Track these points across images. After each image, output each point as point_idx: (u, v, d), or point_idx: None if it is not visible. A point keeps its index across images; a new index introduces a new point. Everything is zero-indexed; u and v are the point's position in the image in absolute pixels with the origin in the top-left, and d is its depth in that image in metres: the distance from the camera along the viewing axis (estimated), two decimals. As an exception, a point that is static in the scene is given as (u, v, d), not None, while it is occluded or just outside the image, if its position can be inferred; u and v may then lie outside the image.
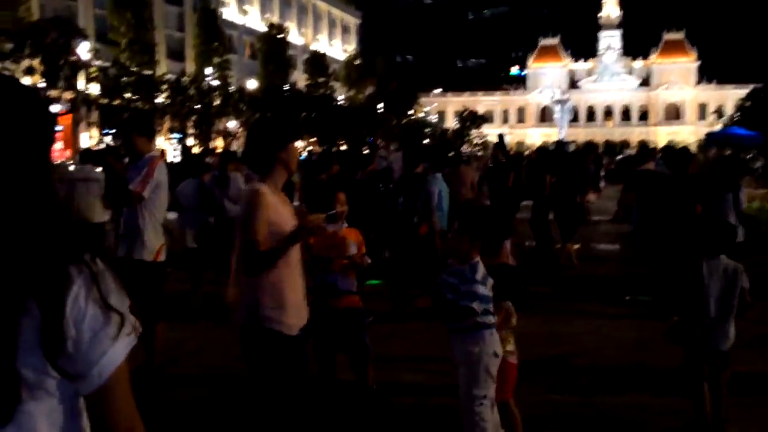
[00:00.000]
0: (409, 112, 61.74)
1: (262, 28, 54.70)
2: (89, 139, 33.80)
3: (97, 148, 17.82)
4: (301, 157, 27.48)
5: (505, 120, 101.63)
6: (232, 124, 39.52)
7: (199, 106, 35.62)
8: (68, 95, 31.19)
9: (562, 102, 70.05)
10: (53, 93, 30.44)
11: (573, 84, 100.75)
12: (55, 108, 30.76)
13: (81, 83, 31.34)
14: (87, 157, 10.27)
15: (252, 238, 3.11)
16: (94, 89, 32.60)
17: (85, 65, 30.37)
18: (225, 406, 4.98)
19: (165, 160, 6.21)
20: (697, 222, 6.19)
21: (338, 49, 71.46)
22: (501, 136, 15.43)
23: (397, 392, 5.17)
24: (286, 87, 41.41)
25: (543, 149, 13.88)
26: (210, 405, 5.03)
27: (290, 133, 3.38)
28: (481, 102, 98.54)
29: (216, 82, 39.40)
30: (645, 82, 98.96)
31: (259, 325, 3.20)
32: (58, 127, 32.33)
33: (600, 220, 17.13)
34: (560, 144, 15.62)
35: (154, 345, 5.26)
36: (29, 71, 27.11)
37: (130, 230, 5.16)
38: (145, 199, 5.06)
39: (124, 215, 5.30)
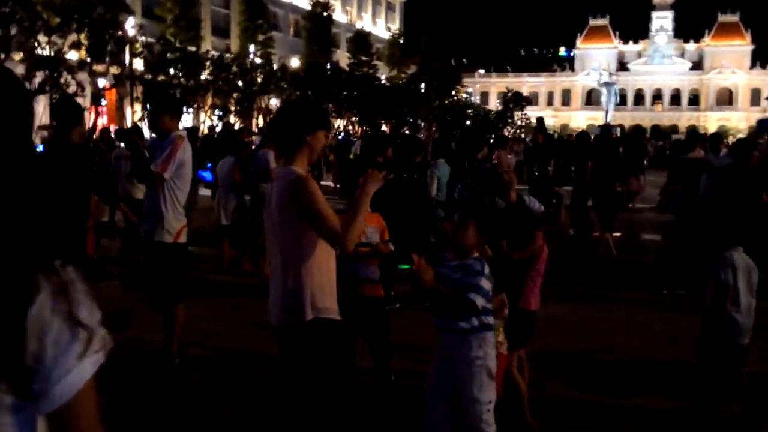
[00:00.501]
0: (452, 93, 61.11)
1: (307, 6, 54.57)
2: (133, 114, 34.24)
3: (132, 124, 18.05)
4: (339, 137, 27.49)
5: (550, 102, 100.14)
6: (273, 102, 39.65)
7: (240, 83, 35.69)
8: (114, 70, 31.58)
9: (608, 84, 68.65)
10: (99, 68, 30.85)
11: (622, 66, 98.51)
12: (101, 82, 31.23)
13: (127, 58, 31.68)
14: (105, 137, 10.43)
15: (331, 223, 3.04)
16: (140, 65, 32.94)
17: (131, 41, 30.66)
18: (234, 392, 4.96)
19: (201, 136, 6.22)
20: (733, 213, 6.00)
21: (382, 27, 70.97)
22: (540, 119, 15.16)
23: (420, 380, 5.09)
24: (328, 66, 41.25)
25: (584, 134, 13.54)
26: (219, 389, 4.99)
27: (322, 121, 3.29)
28: (526, 83, 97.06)
29: (259, 60, 39.46)
30: (697, 66, 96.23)
31: (317, 318, 3.12)
32: (103, 101, 32.88)
33: (642, 208, 16.76)
34: (605, 128, 15.10)
35: (174, 328, 5.25)
36: (76, 45, 27.43)
37: (152, 210, 5.12)
38: (166, 180, 5.01)
39: (147, 194, 5.28)
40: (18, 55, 26.47)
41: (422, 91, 52.39)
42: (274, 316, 3.22)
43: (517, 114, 69.81)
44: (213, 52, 38.29)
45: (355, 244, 3.15)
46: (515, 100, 70.66)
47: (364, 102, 40.29)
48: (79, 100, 27.25)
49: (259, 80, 37.08)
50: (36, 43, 25.81)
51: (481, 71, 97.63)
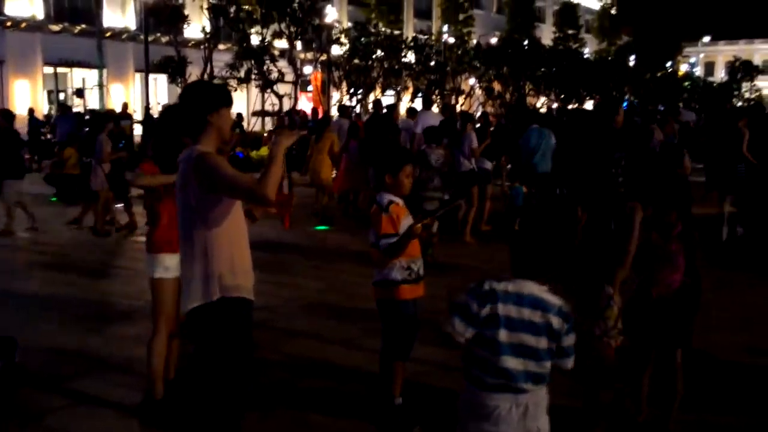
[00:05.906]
0: (667, 64, 56.50)
1: (510, -20, 53.28)
2: (340, 97, 35.48)
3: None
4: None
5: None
6: (471, 82, 39.20)
7: (432, 63, 35.56)
8: (318, 56, 32.99)
9: None
10: (304, 55, 32.49)
11: None
12: (307, 69, 32.86)
13: (333, 47, 32.96)
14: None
15: (243, 182, 2.94)
16: (341, 50, 34.03)
17: (330, 27, 31.90)
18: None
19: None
20: None
21: (592, -3, 67.41)
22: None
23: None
24: (526, 42, 39.83)
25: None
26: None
27: (222, 98, 3.22)
28: (760, 51, 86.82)
29: (452, 40, 39.10)
30: None
31: (224, 297, 3.06)
32: (309, 87, 34.54)
33: None
34: None
35: None
36: (278, 35, 29.05)
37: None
38: None
39: None
40: (225, 45, 28.73)
41: (631, 64, 49.00)
42: (184, 302, 3.14)
43: (746, 86, 62.86)
44: (411, 35, 38.72)
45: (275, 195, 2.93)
46: (745, 70, 63.68)
47: (564, 78, 38.46)
48: (281, 86, 28.94)
49: (452, 60, 36.80)
50: (243, 34, 27.78)
51: (706, 39, 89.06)
